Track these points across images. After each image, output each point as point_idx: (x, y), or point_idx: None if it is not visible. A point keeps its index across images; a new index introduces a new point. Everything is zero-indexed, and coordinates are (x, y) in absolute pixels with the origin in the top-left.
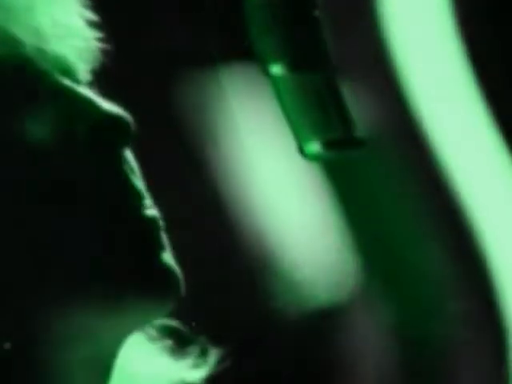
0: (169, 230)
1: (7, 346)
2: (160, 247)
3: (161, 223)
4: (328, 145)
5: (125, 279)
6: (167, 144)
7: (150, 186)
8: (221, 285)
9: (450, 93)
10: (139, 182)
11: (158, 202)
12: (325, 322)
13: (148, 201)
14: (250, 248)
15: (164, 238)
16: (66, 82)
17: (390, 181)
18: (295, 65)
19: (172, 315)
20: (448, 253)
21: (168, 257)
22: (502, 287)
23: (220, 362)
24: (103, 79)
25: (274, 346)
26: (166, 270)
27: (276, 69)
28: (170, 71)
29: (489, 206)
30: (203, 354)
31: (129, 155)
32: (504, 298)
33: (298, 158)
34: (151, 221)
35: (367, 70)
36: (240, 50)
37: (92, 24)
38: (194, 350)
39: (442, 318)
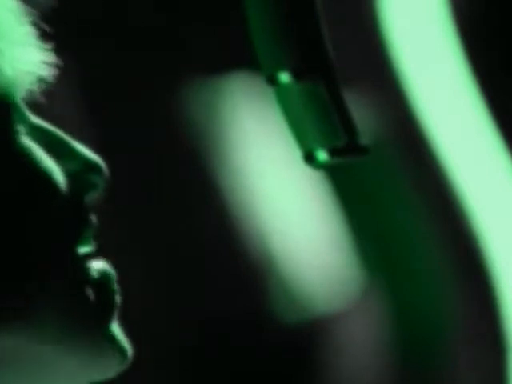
0: (172, 233)
1: None
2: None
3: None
4: (333, 152)
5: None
6: (171, 151)
7: (154, 191)
8: (222, 287)
9: (451, 96)
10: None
11: (163, 204)
12: (325, 325)
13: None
14: (252, 252)
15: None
16: (34, 117)
17: (391, 185)
18: (299, 73)
19: (173, 312)
20: (449, 255)
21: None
22: (501, 288)
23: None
24: (103, 85)
25: (274, 348)
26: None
27: (280, 77)
28: (174, 80)
29: (490, 208)
30: None
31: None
32: (504, 299)
33: (301, 165)
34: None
35: (368, 76)
36: (243, 59)
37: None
38: None
39: (442, 320)
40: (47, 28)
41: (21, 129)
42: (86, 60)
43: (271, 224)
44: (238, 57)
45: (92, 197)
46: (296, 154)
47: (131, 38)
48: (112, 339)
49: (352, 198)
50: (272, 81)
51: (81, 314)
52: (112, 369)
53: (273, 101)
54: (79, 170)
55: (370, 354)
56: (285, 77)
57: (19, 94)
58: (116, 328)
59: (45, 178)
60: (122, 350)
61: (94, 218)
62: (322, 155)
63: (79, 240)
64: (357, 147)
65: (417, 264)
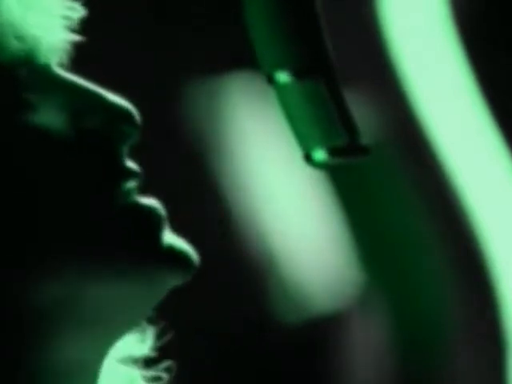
0: (172, 232)
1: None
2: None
3: (160, 211)
4: (334, 152)
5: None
6: (171, 151)
7: (153, 191)
8: (222, 287)
9: (451, 96)
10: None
11: (163, 204)
12: (325, 325)
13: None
14: (252, 252)
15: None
16: (66, 73)
17: (391, 185)
18: (299, 72)
19: (173, 314)
20: (449, 255)
21: (171, 235)
22: (501, 288)
23: (160, 335)
24: (107, 85)
25: (274, 347)
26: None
27: (280, 77)
28: (175, 80)
29: (490, 208)
30: (144, 329)
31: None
32: (504, 299)
33: (302, 165)
34: (150, 207)
35: (368, 76)
36: (243, 59)
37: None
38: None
39: (442, 320)
40: None
41: (33, 91)
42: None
43: (271, 224)
44: (238, 57)
45: (127, 145)
46: (296, 153)
47: (131, 37)
48: (167, 251)
49: (352, 197)
50: (272, 80)
51: (126, 241)
52: (177, 278)
53: (273, 101)
54: (110, 120)
55: (370, 354)
56: (285, 76)
57: (41, 58)
58: (171, 238)
59: (60, 143)
60: (179, 259)
61: (135, 167)
62: (323, 155)
63: (119, 191)
64: (358, 147)
65: (417, 264)
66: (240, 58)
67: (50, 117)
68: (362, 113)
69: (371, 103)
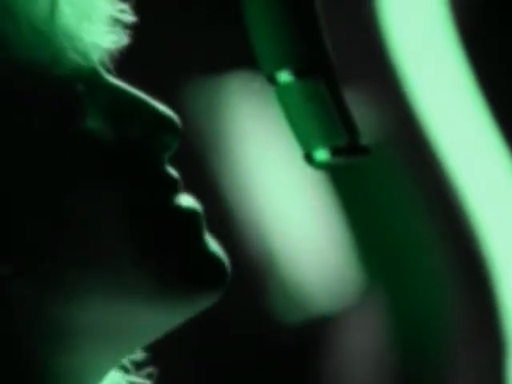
0: None
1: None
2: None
3: (201, 214)
4: (334, 152)
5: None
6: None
7: None
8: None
9: (451, 95)
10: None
11: None
12: (325, 325)
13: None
14: (252, 253)
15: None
16: (113, 79)
17: (391, 185)
18: (300, 72)
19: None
20: (449, 255)
21: (213, 244)
22: (501, 289)
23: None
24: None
25: (274, 347)
26: (213, 258)
27: (280, 77)
28: (175, 79)
29: (490, 208)
30: None
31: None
32: (504, 299)
33: (303, 165)
34: (192, 211)
35: (369, 76)
36: (243, 59)
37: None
38: None
39: (443, 320)
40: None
41: (89, 104)
42: None
43: (272, 224)
44: (237, 57)
45: (168, 154)
46: (296, 153)
47: (131, 37)
48: (203, 258)
49: (352, 197)
50: (272, 80)
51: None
52: (211, 293)
53: (273, 101)
54: (154, 130)
55: (369, 354)
56: (285, 76)
57: (92, 63)
58: (210, 245)
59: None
60: (214, 268)
61: (175, 175)
62: (323, 155)
63: (162, 197)
64: (358, 147)
65: (417, 264)
66: (240, 58)
67: (95, 124)
68: (362, 113)
69: (371, 103)
